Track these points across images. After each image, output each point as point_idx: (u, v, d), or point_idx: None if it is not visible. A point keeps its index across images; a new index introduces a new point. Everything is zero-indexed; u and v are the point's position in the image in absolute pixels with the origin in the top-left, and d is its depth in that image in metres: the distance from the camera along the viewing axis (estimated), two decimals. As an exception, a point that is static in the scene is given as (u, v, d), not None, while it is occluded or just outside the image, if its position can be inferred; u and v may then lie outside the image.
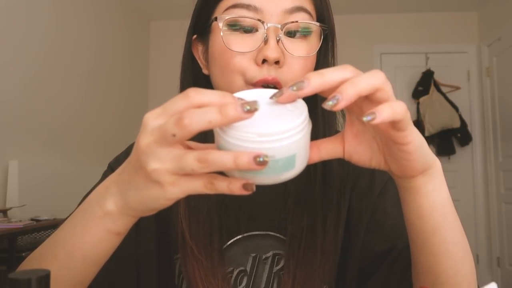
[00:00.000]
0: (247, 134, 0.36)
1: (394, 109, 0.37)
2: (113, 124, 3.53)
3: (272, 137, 0.36)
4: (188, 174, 0.37)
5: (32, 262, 0.49)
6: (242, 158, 0.34)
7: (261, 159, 0.34)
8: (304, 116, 0.38)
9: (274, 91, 0.40)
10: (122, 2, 3.80)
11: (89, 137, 3.19)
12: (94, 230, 0.43)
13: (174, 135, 0.35)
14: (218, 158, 0.35)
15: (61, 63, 2.85)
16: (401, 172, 0.44)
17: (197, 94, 0.36)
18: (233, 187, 0.37)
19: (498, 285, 0.38)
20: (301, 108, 0.39)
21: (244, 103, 0.34)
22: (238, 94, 0.40)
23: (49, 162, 2.66)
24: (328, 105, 0.36)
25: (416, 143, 0.40)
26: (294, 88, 0.37)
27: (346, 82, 0.37)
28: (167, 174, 0.36)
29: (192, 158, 0.35)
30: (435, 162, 0.45)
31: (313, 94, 0.37)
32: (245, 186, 0.37)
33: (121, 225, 0.43)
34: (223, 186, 0.37)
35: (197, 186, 0.37)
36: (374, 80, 0.37)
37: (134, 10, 4.07)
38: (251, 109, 0.34)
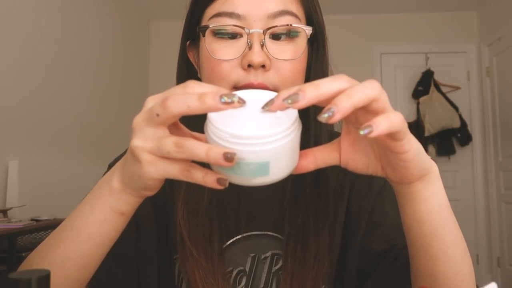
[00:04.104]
0: (222, 132, 0.37)
1: (391, 121, 0.36)
2: (113, 124, 3.53)
3: (242, 140, 0.36)
4: (167, 158, 0.38)
5: (41, 250, 0.50)
6: (213, 151, 0.36)
7: (229, 156, 0.35)
8: (285, 127, 0.37)
9: (274, 94, 0.39)
10: (122, 2, 3.80)
11: (89, 137, 3.19)
12: (100, 209, 0.45)
13: (157, 115, 0.37)
14: (193, 146, 0.36)
15: (61, 63, 2.85)
16: (398, 178, 0.44)
17: (195, 85, 0.38)
18: (207, 179, 0.38)
19: (498, 285, 0.38)
20: (289, 118, 0.38)
21: (223, 94, 0.35)
22: (237, 93, 0.40)
23: (49, 162, 2.66)
24: (323, 117, 0.35)
25: (413, 151, 0.40)
26: (289, 101, 0.36)
27: (342, 93, 0.36)
28: (146, 152, 0.39)
29: (170, 141, 0.37)
30: (433, 168, 0.45)
31: (309, 105, 0.37)
32: (219, 181, 0.38)
33: (124, 203, 0.44)
34: (198, 176, 0.38)
35: (174, 171, 0.39)
36: (369, 90, 0.37)
37: (134, 10, 4.07)
38: (227, 101, 0.35)
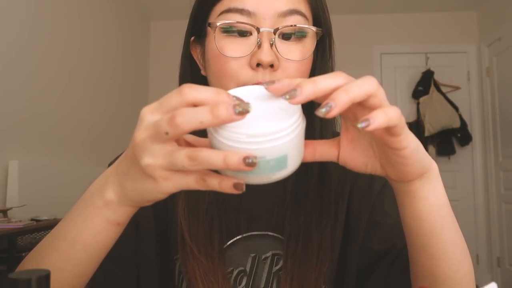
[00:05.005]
0: (237, 135, 0.36)
1: (389, 115, 0.36)
2: (113, 124, 3.53)
3: (261, 138, 0.36)
4: (181, 170, 0.37)
5: (34, 257, 0.50)
6: (231, 158, 0.35)
7: (250, 161, 0.35)
8: (297, 116, 0.38)
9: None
10: (122, 2, 3.80)
11: (89, 137, 3.19)
12: (95, 220, 0.44)
13: (166, 133, 0.36)
14: (208, 157, 0.35)
15: (61, 63, 2.85)
16: (398, 176, 0.44)
17: (191, 91, 0.36)
18: (224, 185, 0.38)
19: (498, 285, 0.38)
20: (294, 107, 0.39)
21: (236, 104, 0.34)
22: (232, 91, 0.40)
23: (49, 162, 2.66)
24: (321, 112, 0.36)
25: (412, 148, 0.40)
26: (287, 96, 0.36)
27: (339, 89, 0.37)
28: (160, 170, 0.38)
29: (183, 156, 0.36)
30: (432, 165, 0.45)
31: (307, 101, 0.37)
32: (235, 186, 0.38)
33: (121, 215, 0.44)
34: (214, 183, 0.38)
35: (189, 182, 0.38)
36: (366, 86, 0.37)
37: (134, 10, 4.07)
38: (242, 111, 0.34)
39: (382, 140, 0.40)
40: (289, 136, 0.37)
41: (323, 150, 0.45)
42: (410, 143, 0.40)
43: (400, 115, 0.38)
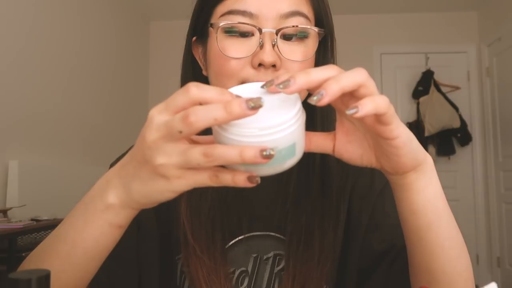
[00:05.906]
0: (249, 130, 0.37)
1: (377, 102, 0.38)
2: (113, 124, 3.53)
3: (273, 129, 0.37)
4: (194, 168, 0.38)
5: (34, 258, 0.50)
6: (247, 152, 0.35)
7: (267, 153, 0.35)
8: (299, 105, 0.40)
9: (261, 83, 0.41)
10: (122, 2, 3.80)
11: (89, 137, 3.19)
12: (96, 224, 0.44)
13: (180, 132, 0.36)
14: (223, 152, 0.36)
15: (61, 63, 2.85)
16: (392, 168, 0.44)
17: (196, 90, 0.37)
18: (237, 179, 0.38)
19: (498, 285, 0.38)
20: (294, 97, 0.40)
21: (248, 100, 0.35)
22: (232, 90, 0.42)
23: (49, 162, 2.66)
24: (313, 100, 0.37)
25: (404, 137, 0.41)
26: (281, 86, 0.38)
27: (330, 79, 0.38)
28: (173, 168, 0.38)
29: (198, 153, 0.36)
30: (427, 158, 0.46)
31: (300, 91, 0.39)
32: (249, 179, 0.38)
33: (123, 217, 0.44)
34: (227, 179, 0.38)
35: (202, 179, 0.39)
36: (357, 77, 0.38)
37: (134, 10, 4.07)
38: (255, 106, 0.35)
39: (374, 130, 0.41)
40: (296, 124, 0.39)
41: (319, 142, 0.46)
42: (402, 133, 0.41)
43: (389, 103, 0.39)
